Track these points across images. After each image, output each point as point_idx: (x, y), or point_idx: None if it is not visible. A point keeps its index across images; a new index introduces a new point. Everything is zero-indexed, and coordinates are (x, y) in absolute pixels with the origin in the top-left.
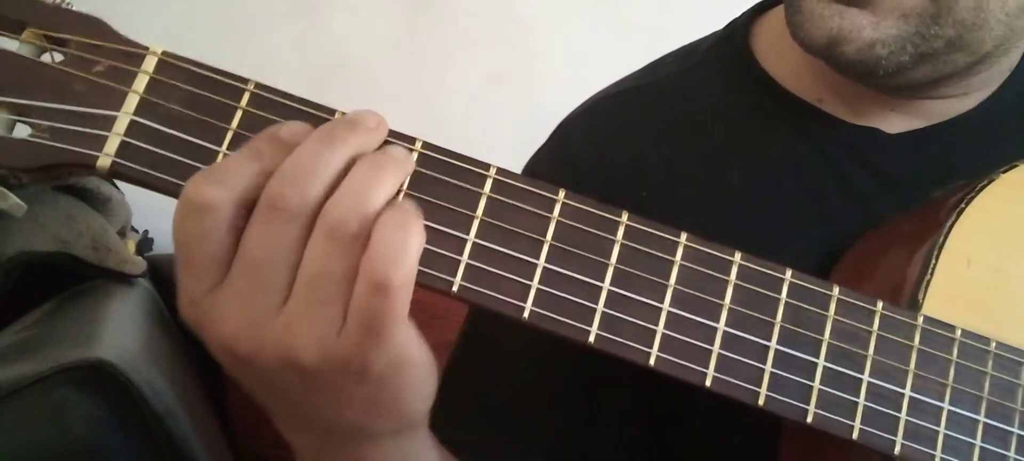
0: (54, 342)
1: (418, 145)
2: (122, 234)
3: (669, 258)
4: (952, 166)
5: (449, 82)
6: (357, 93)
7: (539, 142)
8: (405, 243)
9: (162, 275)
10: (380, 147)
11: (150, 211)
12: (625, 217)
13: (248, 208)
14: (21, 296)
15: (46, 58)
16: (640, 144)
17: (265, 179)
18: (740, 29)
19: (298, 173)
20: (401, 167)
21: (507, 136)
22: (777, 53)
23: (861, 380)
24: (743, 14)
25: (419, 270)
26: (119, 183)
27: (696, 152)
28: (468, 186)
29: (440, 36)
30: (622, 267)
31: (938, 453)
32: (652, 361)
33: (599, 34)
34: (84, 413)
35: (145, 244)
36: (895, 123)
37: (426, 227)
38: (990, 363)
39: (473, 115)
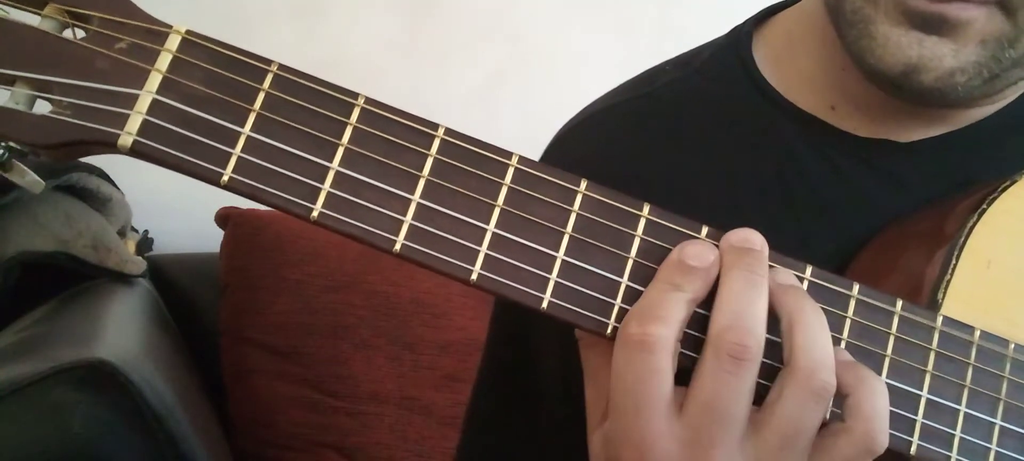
0: (54, 342)
1: (440, 131)
2: (122, 234)
3: None
4: (970, 172)
5: (449, 82)
6: None
7: (539, 142)
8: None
9: (162, 275)
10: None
11: (150, 211)
12: (646, 210)
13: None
14: (21, 296)
15: (68, 34)
16: (640, 156)
17: (691, 309)
18: (744, 38)
19: (749, 319)
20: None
21: (507, 136)
22: (786, 62)
23: None
24: (746, 22)
25: (437, 257)
26: (120, 182)
27: (698, 164)
28: (489, 176)
29: (440, 36)
30: (641, 261)
31: (954, 454)
32: None
33: (599, 34)
34: (84, 413)
35: (145, 244)
36: (912, 131)
37: (447, 214)
38: (1008, 365)
39: (473, 115)
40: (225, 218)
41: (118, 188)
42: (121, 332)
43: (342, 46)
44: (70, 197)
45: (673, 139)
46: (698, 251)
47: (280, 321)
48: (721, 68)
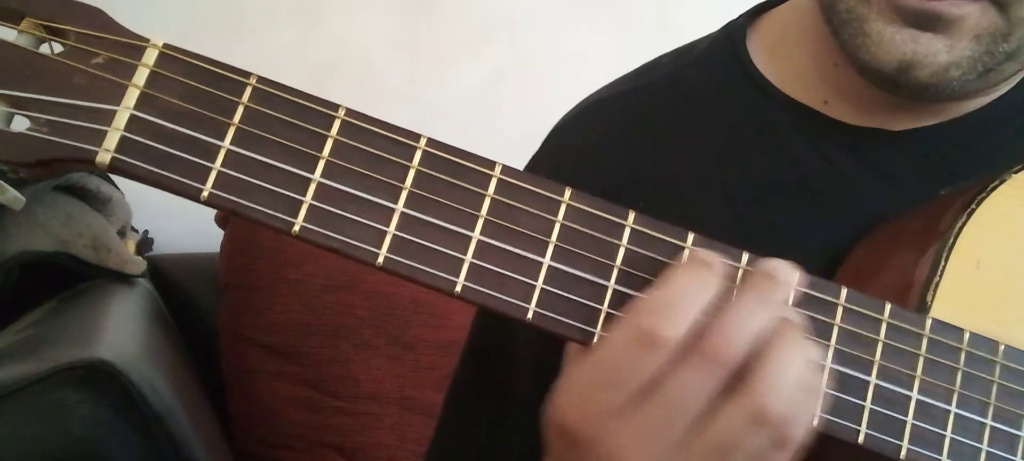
0: (54, 342)
1: (422, 142)
2: (122, 234)
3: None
4: (960, 164)
5: (449, 82)
6: (357, 93)
7: (539, 142)
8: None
9: (162, 275)
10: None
11: (150, 211)
12: (631, 218)
13: None
14: (21, 296)
15: (45, 49)
16: (635, 148)
17: (701, 314)
18: (738, 31)
19: (736, 333)
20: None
21: (507, 136)
22: (779, 56)
23: (868, 383)
24: (741, 16)
25: (421, 270)
26: (120, 183)
27: (693, 156)
28: (472, 187)
29: (440, 36)
30: (627, 270)
31: (944, 457)
32: None
33: (599, 34)
34: (84, 413)
35: (145, 244)
36: (903, 121)
37: (430, 225)
38: (998, 367)
39: (473, 115)
40: (225, 218)
41: (118, 188)
42: (121, 332)
43: (342, 46)
44: (70, 197)
45: (668, 130)
46: (717, 257)
47: (280, 321)
48: (715, 60)
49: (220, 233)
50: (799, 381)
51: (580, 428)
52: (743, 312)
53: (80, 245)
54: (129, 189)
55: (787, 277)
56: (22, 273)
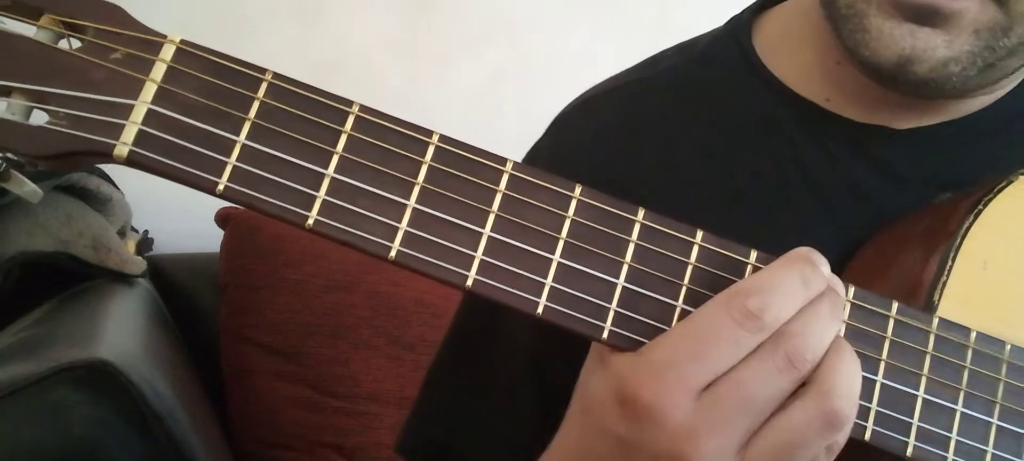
0: (54, 342)
1: (435, 138)
2: (122, 234)
3: (684, 259)
4: (962, 164)
5: (449, 82)
6: (357, 93)
7: None
8: None
9: (162, 275)
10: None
11: (150, 211)
12: (641, 214)
13: None
14: (21, 296)
15: (63, 44)
16: (638, 140)
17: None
18: (743, 26)
19: (817, 341)
20: None
21: (507, 136)
22: (783, 52)
23: (875, 382)
24: (745, 11)
25: (432, 264)
26: (120, 183)
27: (696, 150)
28: (484, 182)
29: (440, 36)
30: (636, 266)
31: (950, 456)
32: None
33: (599, 34)
34: (84, 413)
35: (145, 244)
36: (905, 120)
37: (442, 220)
38: (1004, 367)
39: (473, 115)
40: (225, 218)
41: (118, 188)
42: (121, 332)
43: (342, 46)
44: (70, 197)
45: (671, 123)
46: (824, 258)
47: (280, 321)
48: (720, 54)
49: (220, 233)
50: (858, 391)
51: (655, 401)
52: (824, 322)
53: (80, 245)
54: (129, 189)
55: (845, 294)
56: (22, 273)
